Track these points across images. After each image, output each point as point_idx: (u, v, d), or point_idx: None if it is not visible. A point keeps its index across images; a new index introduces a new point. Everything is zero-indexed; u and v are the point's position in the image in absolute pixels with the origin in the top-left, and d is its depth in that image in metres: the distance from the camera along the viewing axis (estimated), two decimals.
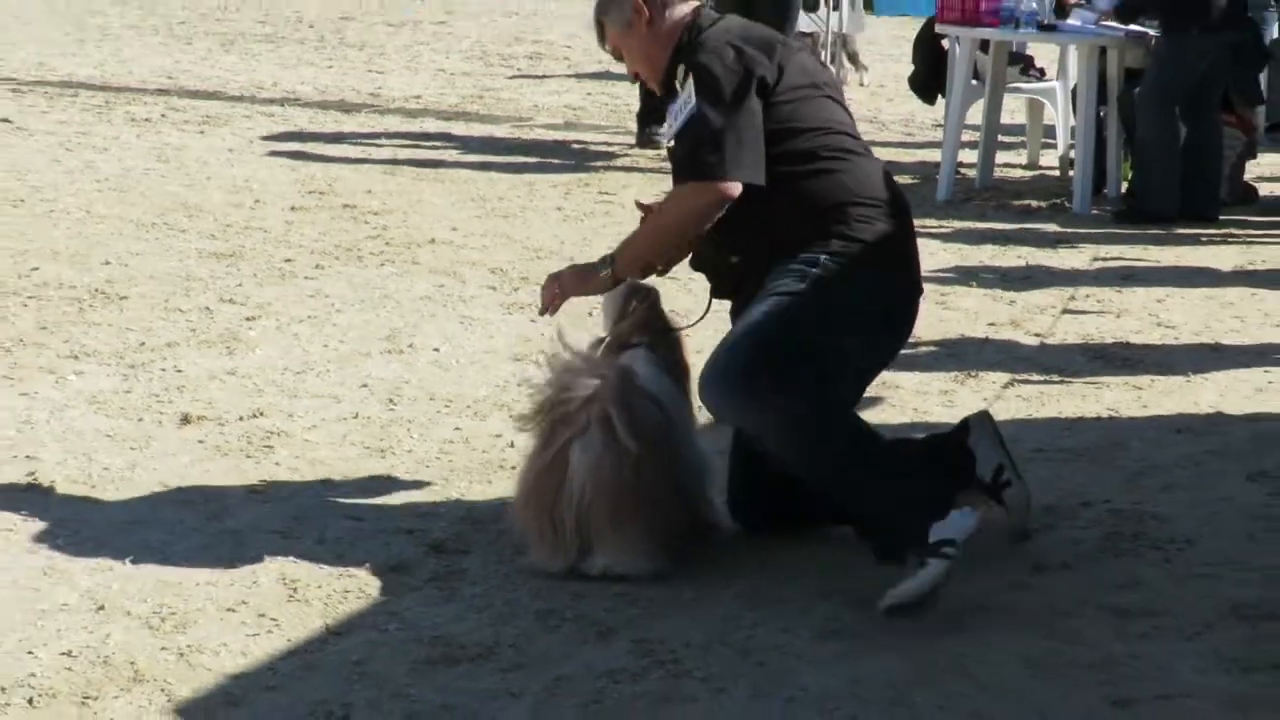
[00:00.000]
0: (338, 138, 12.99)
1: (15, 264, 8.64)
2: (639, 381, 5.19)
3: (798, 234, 5.16)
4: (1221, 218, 10.67)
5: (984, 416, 5.54)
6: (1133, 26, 10.93)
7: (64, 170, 11.21)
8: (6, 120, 13.15)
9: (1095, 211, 10.83)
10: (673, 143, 5.28)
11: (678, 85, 5.24)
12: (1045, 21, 11.23)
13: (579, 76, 17.25)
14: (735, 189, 5.11)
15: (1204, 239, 10.17)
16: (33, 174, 11.03)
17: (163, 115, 13.71)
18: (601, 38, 5.60)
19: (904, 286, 5.38)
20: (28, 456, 6.01)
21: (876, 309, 5.28)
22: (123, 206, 10.13)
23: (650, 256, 5.44)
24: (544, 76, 17.24)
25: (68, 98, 14.54)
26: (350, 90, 15.62)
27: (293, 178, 11.21)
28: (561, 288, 5.46)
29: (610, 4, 5.46)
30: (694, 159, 5.14)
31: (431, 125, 13.80)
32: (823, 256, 5.13)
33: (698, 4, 5.48)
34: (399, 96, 15.34)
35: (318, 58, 17.93)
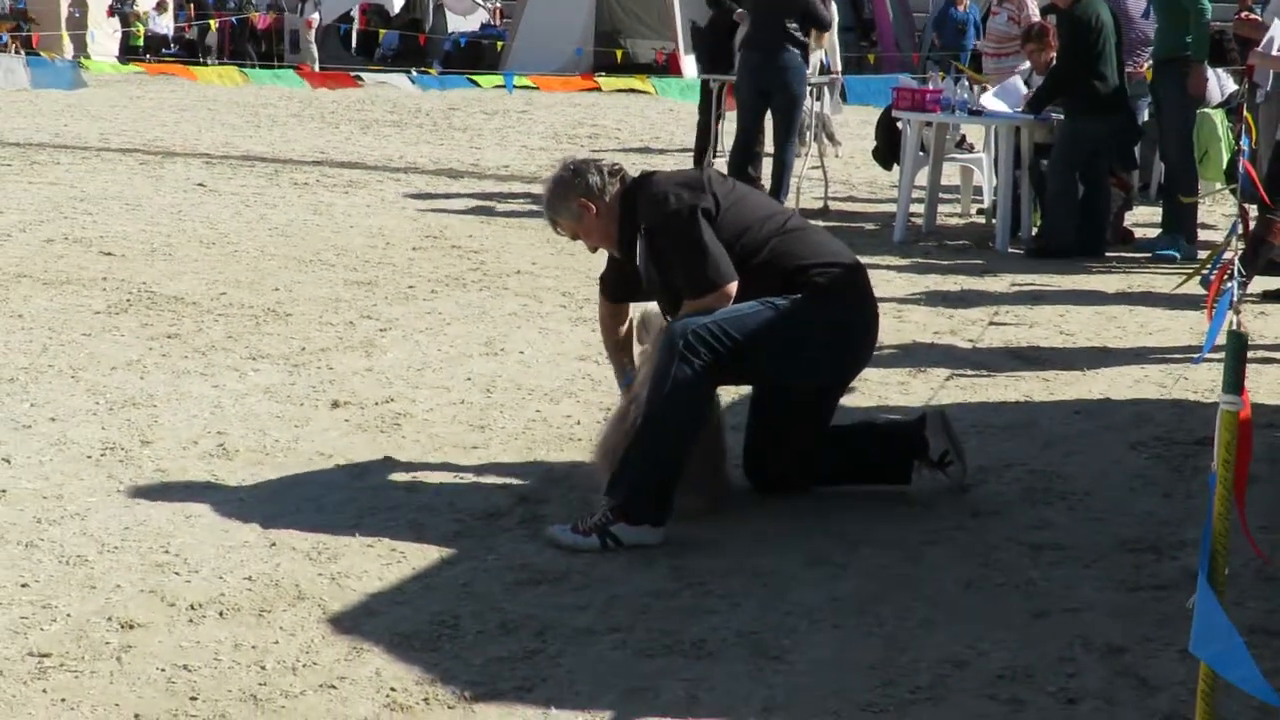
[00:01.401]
0: (447, 196, 12.93)
1: (208, 289, 8.62)
2: None
3: (768, 292, 5.04)
4: (1107, 254, 10.56)
5: (938, 415, 5.46)
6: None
7: (244, 221, 11.17)
8: (201, 184, 13.13)
9: (1012, 250, 10.72)
10: (648, 280, 5.14)
11: (637, 241, 5.09)
12: (974, 108, 11.15)
13: (626, 150, 17.16)
14: (735, 287, 5.01)
15: (1094, 270, 10.06)
16: (220, 224, 11.00)
17: (317, 180, 13.68)
18: (554, 226, 5.39)
19: (860, 317, 5.24)
20: (218, 432, 5.99)
21: (835, 335, 5.15)
22: (288, 248, 10.10)
23: None
24: (600, 150, 17.15)
25: (246, 168, 14.51)
26: (456, 161, 15.56)
27: (414, 226, 11.16)
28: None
29: (560, 207, 5.26)
30: (696, 279, 4.99)
31: (518, 187, 13.73)
32: (789, 296, 5.04)
33: (621, 173, 5.29)
34: (493, 166, 15.29)
35: (432, 137, 17.88)
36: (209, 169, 14.27)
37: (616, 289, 5.52)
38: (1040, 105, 10.55)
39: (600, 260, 5.66)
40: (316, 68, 27.83)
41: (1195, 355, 7.43)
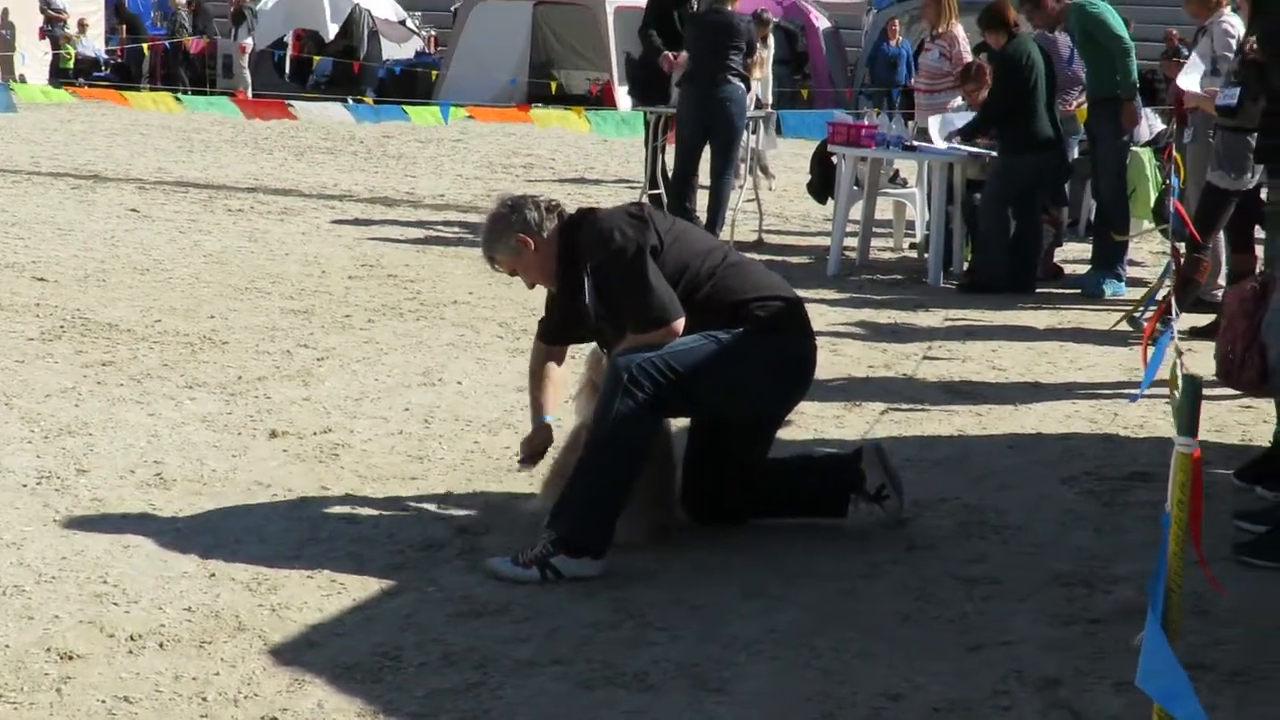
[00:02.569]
0: (383, 224, 12.91)
1: (143, 316, 8.57)
2: None
3: (711, 326, 5.09)
4: (1037, 290, 10.68)
5: (874, 449, 5.52)
6: (972, 149, 10.97)
7: (178, 248, 11.11)
8: (135, 210, 13.05)
9: (944, 284, 10.83)
10: (595, 313, 5.17)
11: (584, 278, 5.11)
12: (908, 144, 11.28)
13: (561, 180, 17.19)
14: (682, 324, 5.04)
15: (1025, 305, 10.17)
16: (155, 250, 10.94)
17: (251, 207, 13.62)
18: (492, 262, 5.41)
19: (800, 350, 5.31)
20: (155, 461, 5.96)
21: (776, 368, 5.22)
22: (223, 275, 10.05)
23: None
24: (534, 180, 17.18)
25: (180, 194, 14.43)
26: (391, 189, 15.54)
27: (350, 254, 11.14)
28: None
29: (498, 244, 5.29)
30: (644, 316, 5.03)
31: (453, 216, 13.74)
32: (731, 330, 5.09)
33: (559, 209, 5.34)
34: (428, 195, 15.27)
35: (366, 165, 17.84)
36: (142, 194, 14.18)
37: (553, 332, 5.55)
38: (971, 136, 10.68)
39: (538, 291, 5.68)
40: (249, 93, 27.72)
41: (1130, 393, 7.52)
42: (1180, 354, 3.46)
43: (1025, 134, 10.38)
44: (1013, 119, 10.40)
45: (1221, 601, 4.81)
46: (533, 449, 5.56)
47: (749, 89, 12.36)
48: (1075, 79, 11.59)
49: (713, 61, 11.79)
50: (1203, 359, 8.34)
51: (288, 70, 31.85)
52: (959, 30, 11.62)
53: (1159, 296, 8.45)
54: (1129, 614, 4.68)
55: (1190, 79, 9.47)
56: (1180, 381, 2.85)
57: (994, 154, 10.71)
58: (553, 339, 5.58)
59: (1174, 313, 7.85)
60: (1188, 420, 2.79)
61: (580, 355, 5.76)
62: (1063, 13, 11.09)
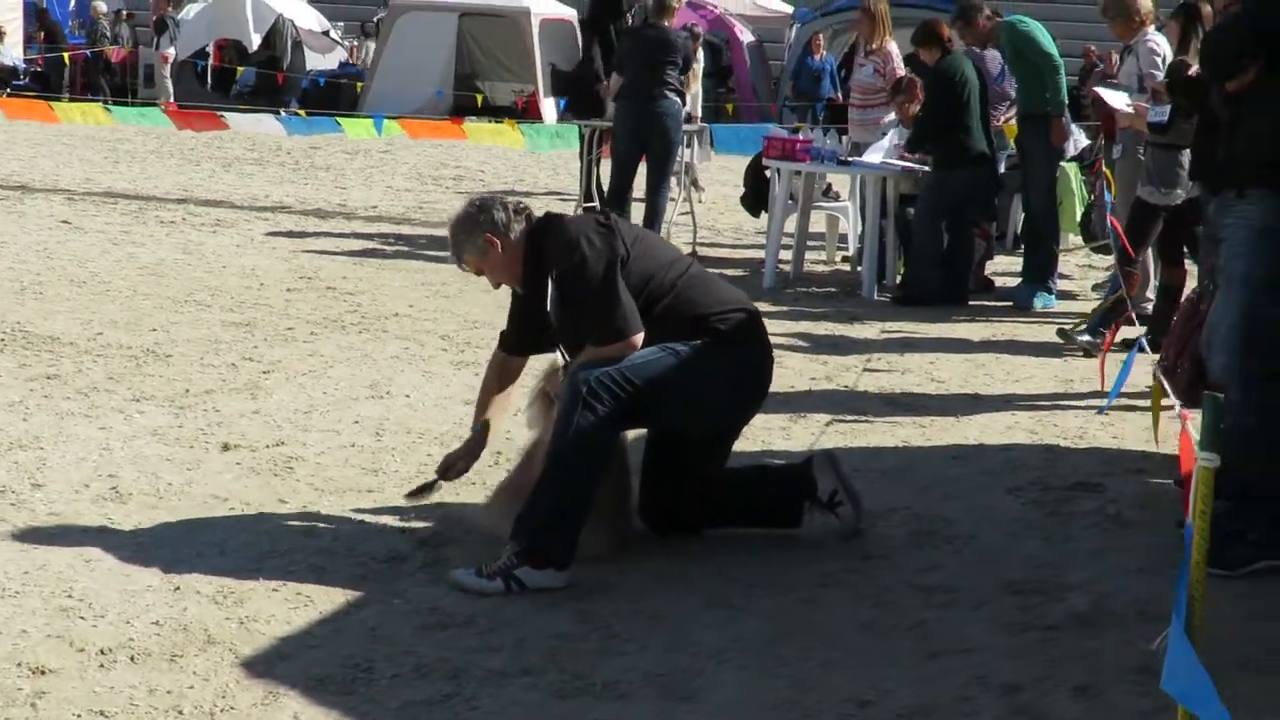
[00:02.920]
0: (317, 236, 12.88)
1: (84, 329, 8.53)
2: None
3: (671, 339, 5.16)
4: (969, 303, 10.84)
5: (826, 456, 5.62)
6: (905, 163, 11.12)
7: (113, 260, 11.04)
8: (66, 222, 12.94)
9: (879, 297, 10.96)
10: (558, 323, 5.23)
11: (549, 284, 5.16)
12: (843, 158, 11.41)
13: (493, 191, 17.19)
14: (641, 339, 5.12)
15: (959, 318, 10.31)
16: (90, 262, 10.87)
17: (184, 219, 13.54)
18: (460, 262, 5.44)
19: (759, 362, 5.40)
20: (109, 475, 5.95)
21: (735, 380, 5.31)
22: (160, 287, 10.01)
23: None
24: (465, 192, 17.18)
25: (110, 205, 14.32)
26: (323, 201, 15.48)
27: (286, 267, 11.12)
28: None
29: (465, 243, 5.33)
30: (606, 328, 5.08)
31: (387, 228, 13.72)
32: (690, 343, 5.16)
33: (527, 211, 5.39)
34: (360, 206, 15.24)
35: (296, 176, 17.77)
36: (71, 206, 14.07)
37: (516, 340, 5.60)
38: (916, 147, 10.83)
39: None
40: (172, 103, 27.51)
41: (1099, 404, 7.62)
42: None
43: (959, 149, 10.54)
44: (946, 135, 10.56)
45: (1170, 608, 4.92)
46: (449, 460, 5.63)
47: (684, 104, 12.45)
48: (1004, 95, 11.79)
49: (649, 76, 11.86)
50: (1137, 370, 8.52)
51: (210, 80, 31.66)
52: (893, 46, 11.77)
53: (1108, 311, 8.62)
54: (1083, 621, 4.80)
55: (1117, 97, 9.65)
56: (1205, 401, 3.02)
57: (927, 169, 10.85)
58: (516, 347, 5.64)
59: (1138, 327, 8.00)
60: (1210, 435, 2.95)
61: (536, 368, 5.80)
62: (994, 30, 11.28)
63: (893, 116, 11.58)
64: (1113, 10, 9.89)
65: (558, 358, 5.52)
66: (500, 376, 5.71)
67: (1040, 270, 10.86)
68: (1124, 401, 7.87)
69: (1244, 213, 5.23)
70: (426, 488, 5.67)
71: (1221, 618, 4.86)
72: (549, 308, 5.21)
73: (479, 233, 5.29)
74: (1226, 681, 4.18)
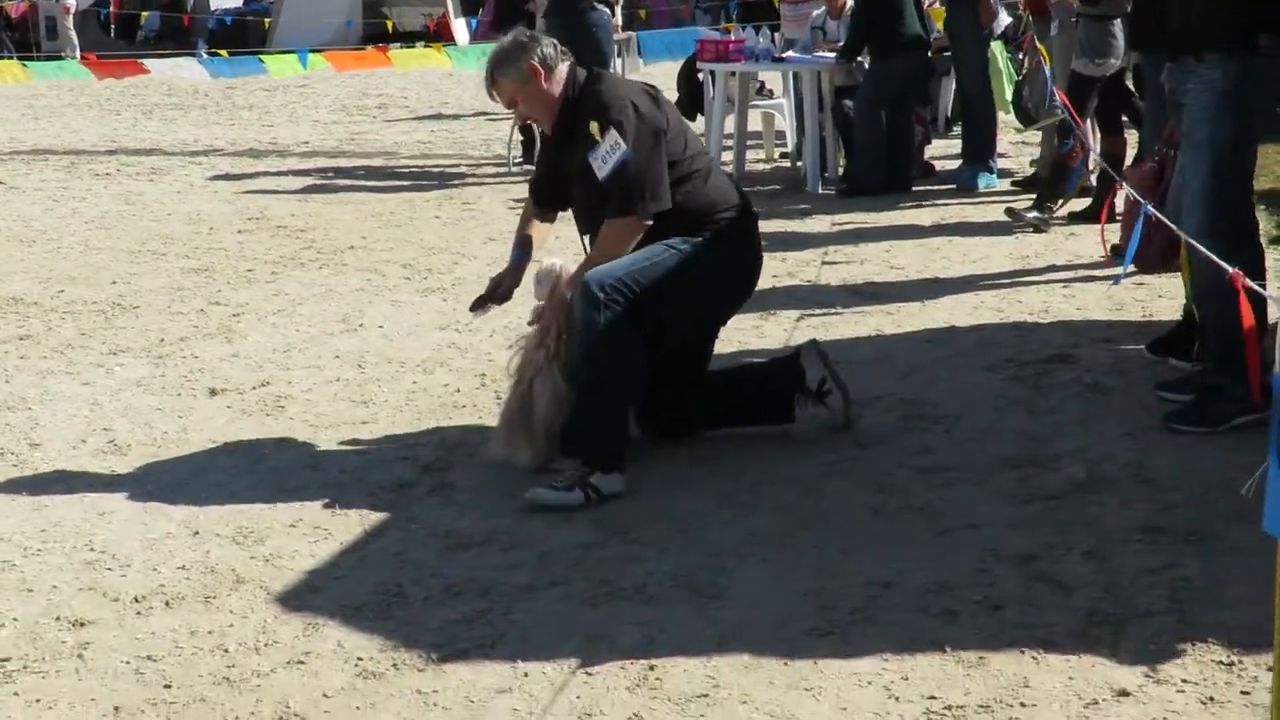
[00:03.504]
0: (255, 176, 12.82)
1: (45, 288, 8.50)
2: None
3: (675, 232, 5.25)
4: (913, 189, 10.95)
5: (812, 344, 5.72)
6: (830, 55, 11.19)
7: (57, 216, 10.97)
8: (1, 182, 12.81)
9: (823, 190, 11.05)
10: (602, 180, 5.17)
11: (596, 136, 5.15)
12: (777, 55, 11.46)
13: (420, 118, 17.17)
14: (652, 219, 5.19)
15: (905, 204, 10.43)
16: (34, 221, 10.79)
17: (118, 170, 13.44)
18: (492, 89, 5.45)
19: (750, 258, 5.51)
20: (104, 429, 5.97)
21: (728, 273, 5.41)
22: (111, 240, 9.97)
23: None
24: (394, 120, 17.14)
25: (40, 161, 14.18)
26: (253, 140, 15.39)
27: (231, 209, 11.08)
28: (547, 313, 5.37)
29: (508, 65, 5.33)
30: (626, 199, 5.14)
31: (323, 162, 13.67)
32: (691, 240, 5.26)
33: (570, 61, 5.44)
34: (291, 143, 15.16)
35: (220, 118, 17.64)
36: (1, 166, 13.91)
37: (545, 192, 5.64)
38: (851, 54, 10.88)
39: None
40: (77, 54, 27.09)
41: (1114, 274, 7.72)
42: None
43: (894, 38, 10.62)
44: (881, 25, 10.61)
45: (1162, 469, 5.09)
46: (496, 280, 5.61)
47: (613, 14, 12.42)
48: None
49: None
50: (1085, 242, 8.68)
51: (114, 28, 31.23)
52: None
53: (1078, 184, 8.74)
54: (1081, 488, 4.95)
55: None
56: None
57: (868, 60, 10.92)
58: (543, 197, 5.66)
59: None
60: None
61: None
62: None
63: (821, 10, 11.61)
64: None
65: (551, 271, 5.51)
66: (537, 219, 5.71)
67: (980, 151, 10.99)
68: (1082, 273, 8.03)
69: (1204, 77, 5.34)
70: (481, 303, 5.63)
71: (1213, 470, 5.04)
72: (591, 156, 5.19)
73: (525, 59, 5.29)
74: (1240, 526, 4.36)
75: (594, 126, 5.18)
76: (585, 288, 5.08)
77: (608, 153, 5.16)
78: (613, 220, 5.22)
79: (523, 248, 5.64)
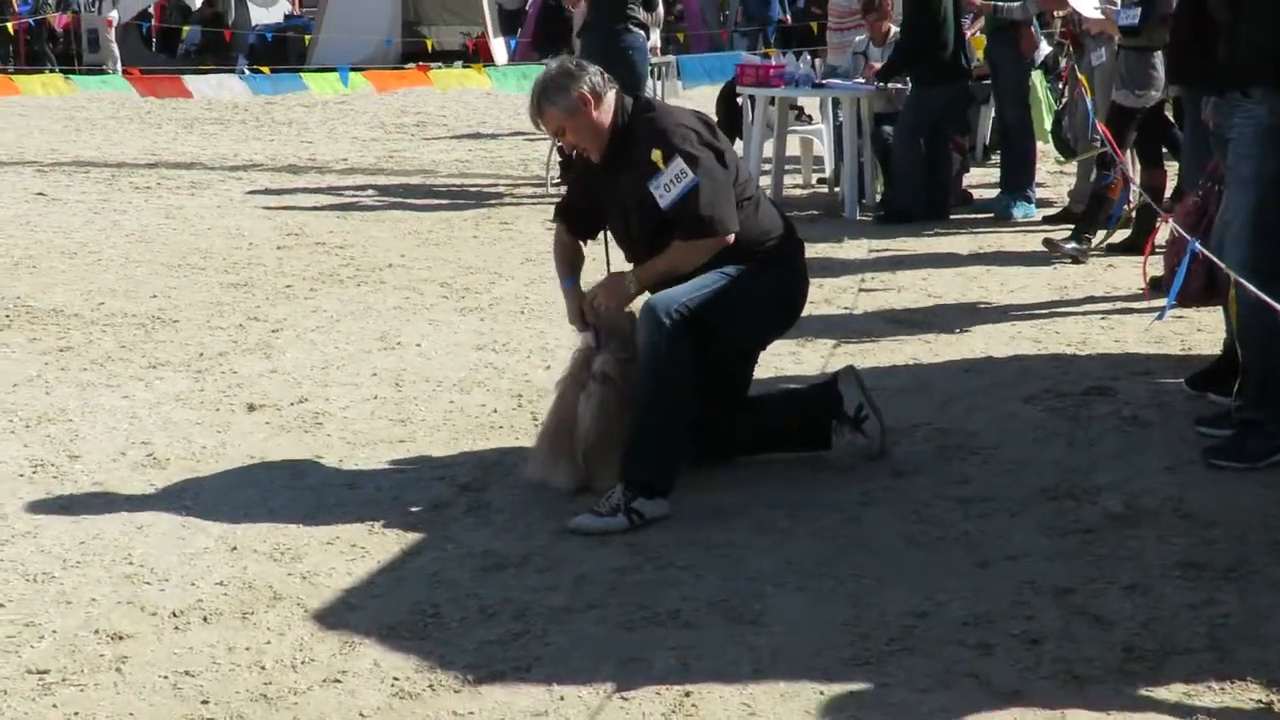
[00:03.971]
0: (294, 192, 12.86)
1: (86, 300, 8.55)
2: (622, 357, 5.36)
3: (728, 259, 5.27)
4: (951, 217, 10.94)
5: (850, 370, 5.72)
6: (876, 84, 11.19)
7: (98, 229, 11.03)
8: (42, 194, 12.89)
9: (860, 217, 11.05)
10: (665, 207, 5.17)
11: (659, 164, 5.14)
12: (817, 81, 11.47)
13: (458, 137, 17.21)
14: (731, 238, 5.22)
15: (943, 232, 10.41)
16: (75, 233, 10.86)
17: (159, 183, 13.50)
18: (538, 119, 5.41)
19: (799, 284, 5.54)
20: (143, 442, 6.00)
21: (776, 298, 5.45)
22: (151, 253, 10.02)
23: (664, 280, 5.30)
24: (432, 139, 17.18)
25: (81, 174, 14.27)
26: (293, 156, 15.45)
27: (271, 225, 11.13)
28: (602, 295, 5.41)
29: (556, 94, 5.30)
30: (700, 220, 5.16)
31: (362, 179, 13.72)
32: (744, 266, 5.28)
33: (616, 88, 5.42)
34: (331, 159, 15.21)
35: (260, 133, 17.72)
36: (44, 177, 14.00)
37: (577, 221, 5.64)
38: (890, 75, 10.89)
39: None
40: (119, 67, 27.26)
41: (1157, 308, 7.71)
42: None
43: (937, 66, 10.62)
44: (924, 52, 10.61)
45: (1201, 504, 5.06)
46: (575, 312, 5.53)
47: (649, 36, 12.44)
48: (970, 6, 11.84)
49: (611, 9, 11.82)
50: (1124, 273, 8.66)
51: (155, 42, 31.41)
52: None
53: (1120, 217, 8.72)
54: (1119, 521, 4.93)
55: (1087, 7, 9.73)
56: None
57: (900, 86, 10.92)
58: (574, 225, 5.64)
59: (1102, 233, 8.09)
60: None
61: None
62: None
63: (865, 37, 11.61)
64: None
65: (585, 341, 5.50)
66: (568, 253, 5.67)
67: (1018, 180, 10.96)
68: (1121, 305, 8.00)
69: (1251, 112, 5.33)
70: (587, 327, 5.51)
71: (1252, 506, 5.02)
72: (653, 186, 5.18)
73: (574, 88, 5.28)
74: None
75: (656, 154, 5.17)
76: (651, 312, 5.10)
77: (672, 180, 5.15)
78: (684, 243, 5.23)
79: (574, 271, 5.61)
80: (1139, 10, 8.90)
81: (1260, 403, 5.48)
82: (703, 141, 5.23)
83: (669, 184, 5.16)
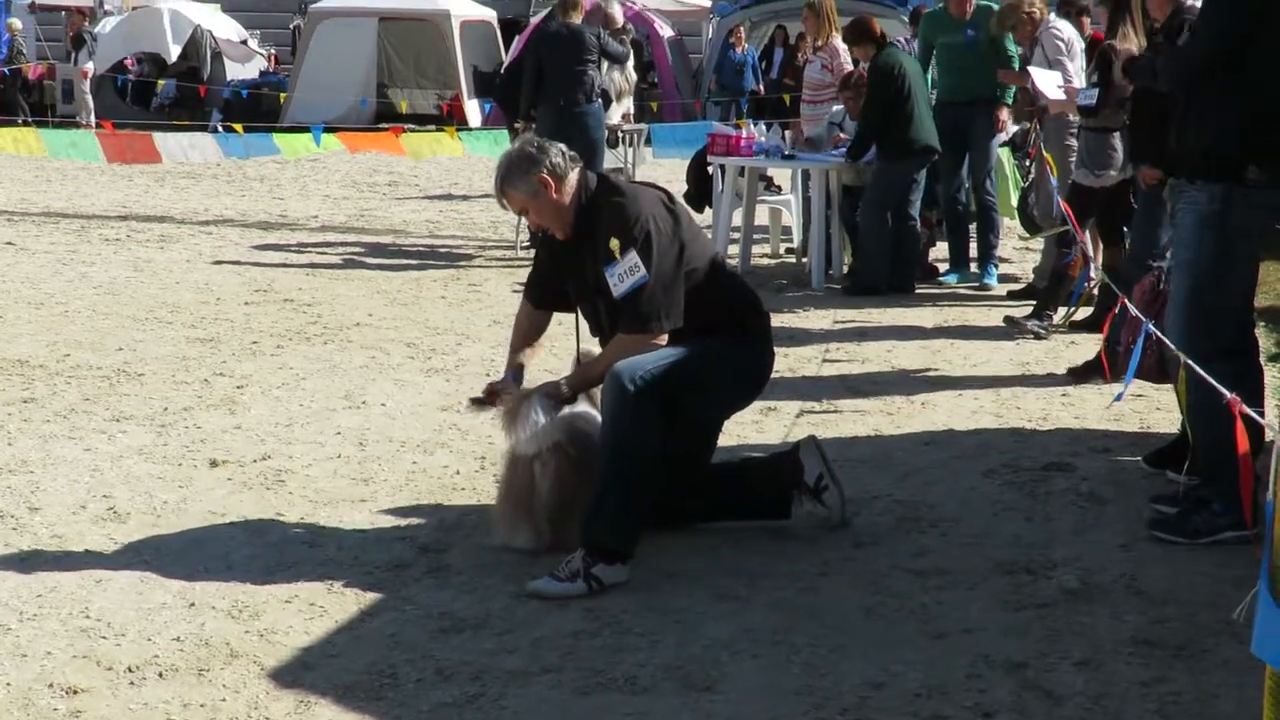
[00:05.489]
0: (264, 248, 12.89)
1: (51, 351, 8.54)
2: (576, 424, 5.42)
3: (694, 332, 5.31)
4: (916, 290, 11.03)
5: (811, 439, 5.77)
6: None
7: (66, 280, 11.03)
8: (10, 243, 12.88)
9: (828, 287, 11.12)
10: (617, 296, 5.23)
11: (615, 253, 5.19)
12: (786, 153, 11.57)
13: (430, 198, 17.27)
14: (664, 339, 5.26)
15: (907, 305, 10.49)
16: (43, 283, 10.85)
17: (128, 236, 13.51)
18: (502, 199, 5.49)
19: (765, 358, 5.57)
20: (104, 495, 5.99)
21: (744, 372, 5.51)
22: (118, 306, 10.02)
23: (597, 381, 5.39)
24: (403, 199, 17.24)
25: (51, 224, 14.27)
26: (263, 213, 15.48)
27: (240, 280, 11.14)
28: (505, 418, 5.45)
29: (517, 178, 5.36)
30: (641, 317, 5.21)
31: (332, 237, 13.75)
32: (710, 339, 5.32)
33: (579, 167, 5.46)
34: (301, 217, 15.24)
35: (231, 189, 17.76)
36: (12, 226, 14.00)
37: (543, 294, 5.69)
38: (860, 153, 10.99)
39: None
40: (92, 119, 27.26)
41: (1116, 391, 7.79)
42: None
43: (904, 140, 10.72)
44: (890, 127, 10.72)
45: (1155, 581, 5.11)
46: (490, 392, 5.60)
47: (607, 101, 12.53)
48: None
49: (566, 78, 11.89)
50: (1085, 350, 8.73)
51: (130, 94, 31.44)
52: (839, 42, 11.87)
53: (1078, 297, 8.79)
54: (1074, 597, 4.97)
55: (1049, 79, 9.85)
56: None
57: (876, 161, 11.03)
58: (538, 300, 5.70)
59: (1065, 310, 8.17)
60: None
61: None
62: (968, 11, 11.40)
63: (839, 108, 11.71)
64: (1007, 18, 10.26)
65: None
66: (527, 330, 5.73)
67: (960, 252, 11.25)
68: (1083, 383, 8.06)
69: (1193, 199, 5.47)
70: (480, 403, 5.63)
71: (1205, 585, 5.07)
72: (609, 272, 5.22)
73: (535, 172, 5.33)
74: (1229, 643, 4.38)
75: (614, 244, 5.22)
76: (615, 380, 5.13)
77: (626, 272, 5.20)
78: (624, 336, 5.29)
79: (515, 371, 5.66)
80: (1096, 91, 9.02)
81: (1209, 482, 5.55)
82: (660, 232, 5.23)
83: (622, 275, 5.22)
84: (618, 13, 12.89)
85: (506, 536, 5.40)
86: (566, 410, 5.50)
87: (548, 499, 5.29)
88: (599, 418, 5.34)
